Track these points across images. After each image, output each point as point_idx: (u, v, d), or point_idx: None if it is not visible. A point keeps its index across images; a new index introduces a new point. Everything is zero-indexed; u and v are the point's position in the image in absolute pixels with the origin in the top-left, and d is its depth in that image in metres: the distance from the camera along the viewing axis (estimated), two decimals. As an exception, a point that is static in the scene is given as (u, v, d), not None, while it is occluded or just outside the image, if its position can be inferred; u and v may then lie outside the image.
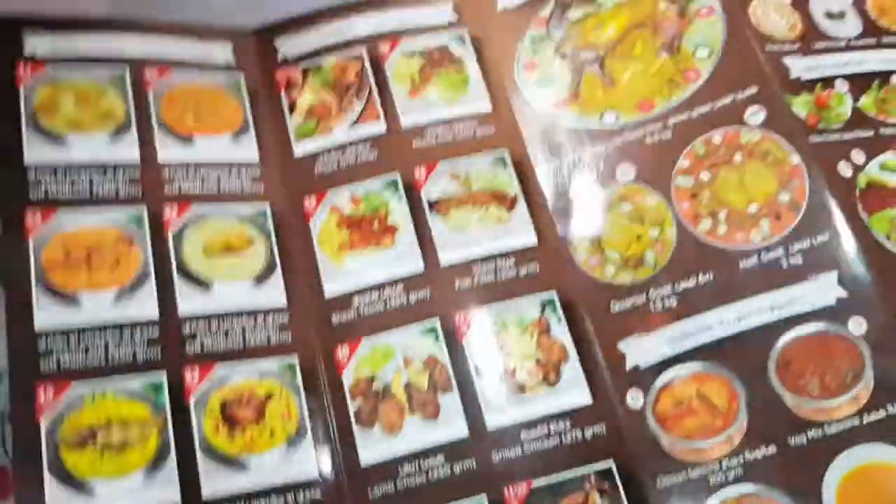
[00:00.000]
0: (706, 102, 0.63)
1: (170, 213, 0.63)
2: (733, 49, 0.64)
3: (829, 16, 0.67)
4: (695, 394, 0.58)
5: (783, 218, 0.59)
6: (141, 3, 0.71)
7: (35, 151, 0.62)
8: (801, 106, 0.61)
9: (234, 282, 0.62)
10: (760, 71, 0.63)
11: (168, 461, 0.56)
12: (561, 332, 0.62)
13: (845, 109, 0.62)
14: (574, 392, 0.60)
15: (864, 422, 0.54)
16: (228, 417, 0.59)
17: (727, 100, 0.63)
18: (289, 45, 0.71)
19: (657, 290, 0.61)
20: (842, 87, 0.63)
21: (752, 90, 0.63)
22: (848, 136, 0.61)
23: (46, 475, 0.54)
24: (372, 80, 0.69)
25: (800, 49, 0.64)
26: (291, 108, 0.69)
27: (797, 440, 0.55)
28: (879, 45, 0.66)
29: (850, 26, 0.67)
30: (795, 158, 0.60)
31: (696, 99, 0.64)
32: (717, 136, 0.62)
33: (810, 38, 0.65)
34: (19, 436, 0.55)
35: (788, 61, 0.63)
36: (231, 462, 0.57)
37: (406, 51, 0.71)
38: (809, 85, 0.63)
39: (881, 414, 0.54)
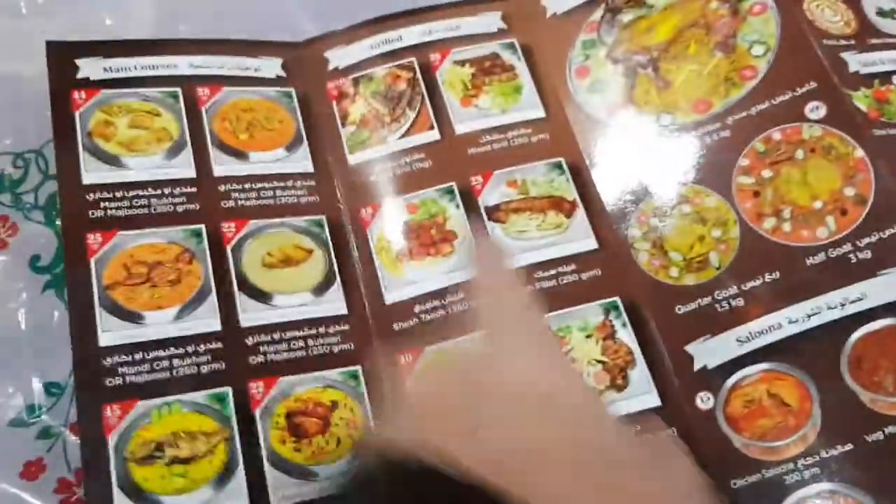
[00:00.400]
0: (765, 100, 0.63)
1: (228, 227, 0.63)
2: (789, 45, 0.64)
3: (881, 13, 0.67)
4: (766, 394, 0.57)
5: (850, 213, 0.58)
6: (184, 21, 0.71)
7: (93, 174, 0.62)
8: (860, 100, 0.61)
9: (294, 293, 0.62)
10: (819, 66, 0.62)
11: (237, 473, 0.56)
12: (626, 335, 0.61)
13: (905, 103, 0.62)
14: (643, 395, 0.59)
15: (945, 413, 0.53)
16: (294, 428, 0.58)
17: (786, 96, 0.62)
18: (339, 56, 0.71)
19: (723, 290, 0.60)
20: (900, 82, 0.63)
21: (812, 85, 0.62)
22: (910, 129, 0.61)
23: (116, 492, 0.53)
24: (423, 89, 0.69)
25: (855, 45, 0.64)
26: (344, 119, 0.69)
27: (875, 436, 0.54)
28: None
29: (903, 25, 0.67)
30: (859, 152, 0.59)
31: (754, 97, 0.63)
32: (777, 134, 0.62)
33: (865, 35, 0.65)
34: (87, 453, 0.54)
35: (845, 56, 0.63)
36: (299, 472, 0.57)
37: (457, 59, 0.70)
38: (867, 80, 0.62)
39: (960, 404, 0.53)
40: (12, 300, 0.61)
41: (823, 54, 0.63)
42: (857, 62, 0.63)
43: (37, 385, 0.59)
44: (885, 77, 0.63)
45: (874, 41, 0.65)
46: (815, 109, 0.61)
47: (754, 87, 0.63)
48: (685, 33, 0.67)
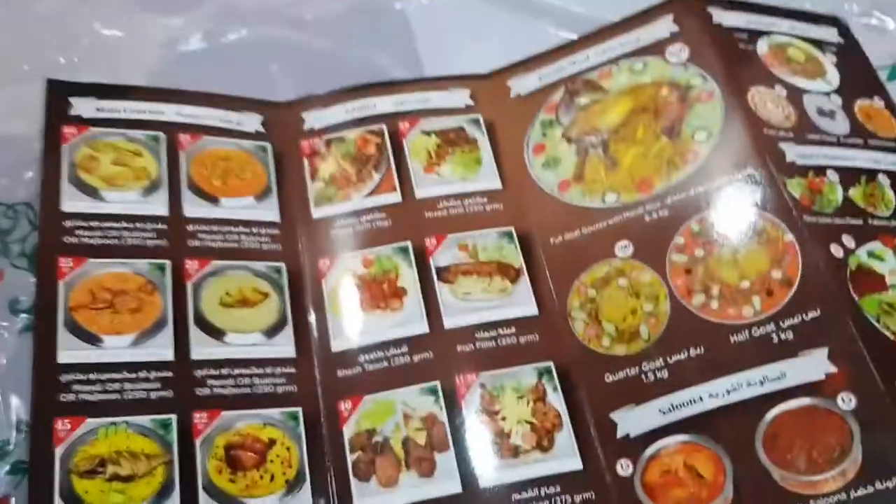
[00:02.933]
0: (703, 183, 0.66)
1: (191, 265, 0.67)
2: (731, 132, 0.67)
3: (821, 113, 0.70)
4: (682, 464, 0.58)
5: (775, 294, 0.61)
6: (175, 80, 0.77)
7: (72, 203, 0.67)
8: (794, 188, 0.64)
9: (246, 333, 0.65)
10: (757, 153, 0.65)
11: (172, 496, 0.58)
12: (556, 399, 0.63)
13: (836, 197, 0.65)
14: (566, 458, 0.61)
15: (852, 497, 0.54)
16: (231, 459, 0.61)
17: (723, 180, 0.66)
18: (315, 118, 0.76)
19: (650, 362, 0.62)
20: (833, 176, 0.66)
21: (749, 171, 0.65)
22: (839, 221, 0.63)
23: (57, 501, 0.56)
24: (391, 154, 0.74)
25: (794, 138, 0.67)
26: (313, 176, 0.73)
27: (784, 514, 0.56)
28: (867, 147, 0.70)
29: (840, 125, 0.70)
30: (789, 237, 0.62)
31: (694, 179, 0.66)
32: (712, 215, 0.65)
33: (803, 130, 0.68)
34: (34, 461, 0.58)
35: (784, 146, 0.66)
36: (231, 502, 0.59)
37: (424, 129, 0.75)
38: (802, 170, 0.65)
39: (869, 490, 0.54)
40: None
41: (763, 142, 0.66)
42: (794, 153, 0.66)
43: (9, 421, 0.63)
44: (819, 170, 0.66)
45: (812, 136, 0.68)
46: (751, 193, 0.64)
47: (694, 171, 0.67)
48: (635, 117, 0.71)
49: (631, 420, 0.61)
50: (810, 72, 0.73)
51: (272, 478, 0.61)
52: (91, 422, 0.59)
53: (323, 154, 0.74)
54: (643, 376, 0.62)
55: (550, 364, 0.65)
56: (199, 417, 0.61)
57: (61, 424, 0.58)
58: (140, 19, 0.82)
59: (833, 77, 0.74)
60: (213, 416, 0.62)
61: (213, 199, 0.70)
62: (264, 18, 0.84)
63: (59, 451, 0.58)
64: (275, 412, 0.63)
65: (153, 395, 0.61)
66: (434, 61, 0.81)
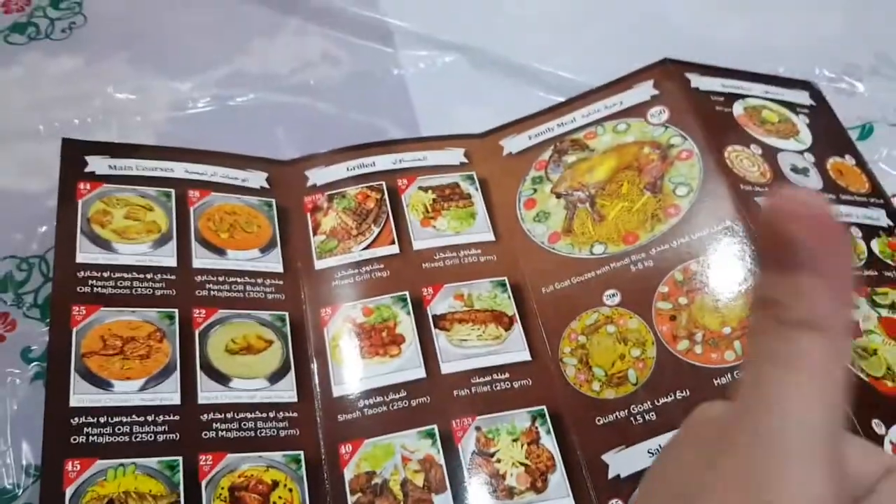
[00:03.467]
0: (685, 235, 0.70)
1: (198, 313, 0.70)
2: (710, 188, 0.71)
3: (795, 170, 0.75)
4: None
5: (754, 340, 0.64)
6: (184, 141, 0.81)
7: (85, 255, 0.70)
8: (770, 240, 0.67)
9: (251, 379, 0.68)
10: (734, 207, 0.70)
11: None
12: (549, 442, 0.66)
13: (810, 247, 0.68)
14: (559, 499, 0.64)
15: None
16: (236, 501, 0.63)
17: (703, 232, 0.70)
18: (318, 175, 0.80)
19: (638, 405, 0.65)
20: (807, 228, 0.69)
21: (726, 223, 0.69)
22: (813, 270, 0.67)
23: (65, 539, 0.59)
24: (389, 208, 0.78)
25: (769, 192, 0.71)
26: (315, 229, 0.77)
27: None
28: (839, 201, 0.74)
29: (813, 181, 0.75)
30: (765, 285, 0.66)
31: (676, 232, 0.70)
32: (694, 265, 0.69)
33: (778, 186, 0.72)
34: (44, 502, 0.60)
35: (760, 200, 0.70)
36: (234, 542, 0.62)
37: (421, 185, 0.79)
38: (778, 223, 0.69)
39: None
40: (1, 386, 0.69)
41: (739, 197, 0.70)
42: (769, 207, 0.70)
43: (19, 465, 0.65)
44: (793, 223, 0.69)
45: (787, 192, 0.72)
46: (730, 244, 0.68)
47: (676, 224, 0.71)
48: (620, 174, 0.75)
49: (621, 461, 0.64)
50: (784, 132, 0.78)
51: (275, 518, 0.63)
52: (101, 463, 0.61)
53: (325, 209, 0.78)
54: (632, 419, 0.65)
55: (543, 408, 0.68)
56: (204, 460, 0.64)
57: (71, 466, 0.61)
58: (151, 83, 0.88)
59: (806, 137, 0.79)
60: (217, 458, 0.64)
61: (220, 252, 0.74)
62: (270, 83, 0.90)
63: (69, 492, 0.60)
64: (277, 455, 0.65)
65: (160, 437, 0.64)
66: (430, 123, 0.86)
